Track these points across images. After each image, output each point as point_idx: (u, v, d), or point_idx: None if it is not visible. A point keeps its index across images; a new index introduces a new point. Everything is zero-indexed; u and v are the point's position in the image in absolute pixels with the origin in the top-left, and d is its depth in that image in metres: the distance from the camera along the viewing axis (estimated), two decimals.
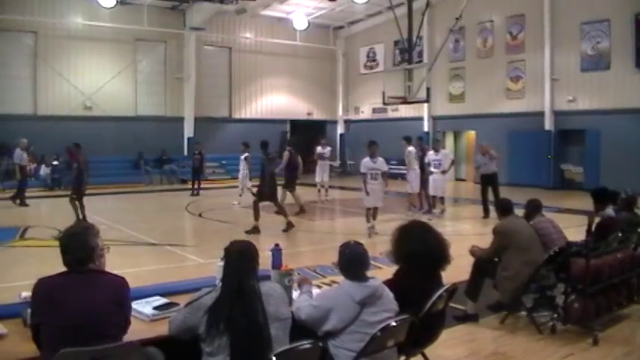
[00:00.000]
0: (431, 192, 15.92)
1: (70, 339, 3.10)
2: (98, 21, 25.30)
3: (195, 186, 22.17)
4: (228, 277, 3.58)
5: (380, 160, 12.85)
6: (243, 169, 18.41)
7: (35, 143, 22.87)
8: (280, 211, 13.67)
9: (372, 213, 12.89)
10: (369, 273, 4.10)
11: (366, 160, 12.82)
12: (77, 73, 25.69)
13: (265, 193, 13.41)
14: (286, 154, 16.27)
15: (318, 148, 20.23)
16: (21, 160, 18.49)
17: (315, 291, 4.90)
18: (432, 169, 15.74)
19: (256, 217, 12.98)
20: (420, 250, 4.58)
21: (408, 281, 4.46)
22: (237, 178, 20.08)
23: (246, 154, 18.04)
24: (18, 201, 17.92)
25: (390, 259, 5.02)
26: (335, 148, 32.62)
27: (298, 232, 13.47)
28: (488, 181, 15.54)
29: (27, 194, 18.34)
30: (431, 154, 16.08)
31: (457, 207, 18.24)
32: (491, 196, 15.13)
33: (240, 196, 18.09)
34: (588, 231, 7.83)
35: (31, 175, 22.96)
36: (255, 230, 12.68)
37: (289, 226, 13.25)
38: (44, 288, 3.30)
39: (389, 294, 4.11)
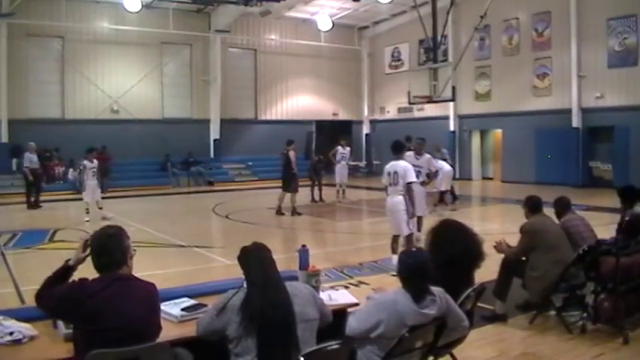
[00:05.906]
0: None
1: (108, 346, 3.08)
2: (124, 25, 25.59)
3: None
4: (253, 269, 3.58)
5: (426, 157, 11.01)
6: (90, 178, 15.36)
7: (63, 147, 23.21)
8: None
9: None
10: None
11: (408, 154, 10.62)
12: (104, 77, 26.02)
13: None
14: (292, 153, 16.19)
15: (339, 149, 19.80)
16: (31, 163, 18.36)
17: (343, 292, 4.90)
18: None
19: None
20: (456, 253, 4.49)
21: (442, 284, 4.21)
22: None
23: (95, 162, 15.49)
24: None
25: None
26: (361, 148, 32.87)
27: (323, 232, 13.44)
28: None
29: (56, 197, 18.53)
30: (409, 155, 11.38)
31: (485, 206, 18.09)
32: None
33: (88, 212, 15.23)
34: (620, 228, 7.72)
35: (60, 179, 23.33)
36: None
37: None
38: (81, 295, 3.23)
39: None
